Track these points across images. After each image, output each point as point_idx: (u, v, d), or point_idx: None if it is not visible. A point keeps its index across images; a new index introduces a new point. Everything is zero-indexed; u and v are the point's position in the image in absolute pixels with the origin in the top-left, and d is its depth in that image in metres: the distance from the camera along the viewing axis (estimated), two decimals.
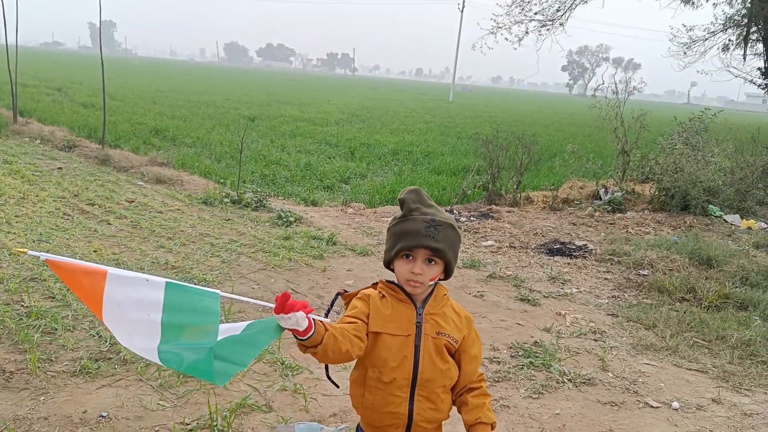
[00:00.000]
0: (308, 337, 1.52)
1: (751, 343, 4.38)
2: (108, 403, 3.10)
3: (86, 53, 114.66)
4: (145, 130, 13.50)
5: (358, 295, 1.79)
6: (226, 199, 7.71)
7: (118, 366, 3.46)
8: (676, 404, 3.55)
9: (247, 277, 5.12)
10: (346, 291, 1.80)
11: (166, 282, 1.51)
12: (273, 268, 5.41)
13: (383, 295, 1.76)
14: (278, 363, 3.65)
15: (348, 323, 1.68)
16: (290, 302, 1.45)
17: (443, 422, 1.84)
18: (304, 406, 3.24)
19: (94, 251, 5.30)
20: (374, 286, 1.83)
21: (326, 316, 1.69)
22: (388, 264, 1.79)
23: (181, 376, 3.38)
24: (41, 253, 1.43)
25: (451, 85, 55.86)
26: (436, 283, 1.79)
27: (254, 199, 7.71)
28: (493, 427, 1.78)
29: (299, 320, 1.47)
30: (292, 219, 7.06)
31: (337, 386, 2.00)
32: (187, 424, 2.98)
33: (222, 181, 8.85)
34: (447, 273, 1.76)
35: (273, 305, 1.47)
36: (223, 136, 13.57)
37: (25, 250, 1.45)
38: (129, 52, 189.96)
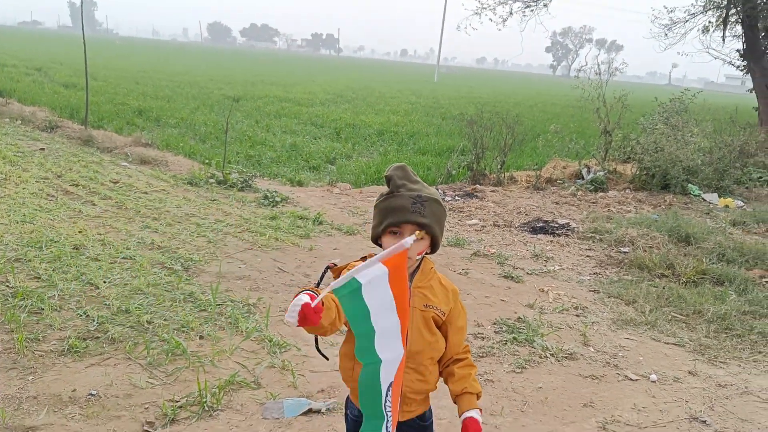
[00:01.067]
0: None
1: (727, 317, 4.51)
2: (97, 382, 3.13)
3: (66, 33, 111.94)
4: (129, 111, 13.34)
5: (349, 267, 1.81)
6: (211, 180, 7.68)
7: (106, 345, 3.49)
8: (654, 377, 3.66)
9: (234, 256, 5.14)
10: (335, 264, 1.83)
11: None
12: (260, 247, 5.43)
13: None
14: (266, 340, 3.69)
15: None
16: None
17: (430, 393, 1.89)
18: (292, 383, 3.29)
19: (79, 232, 5.28)
20: (363, 259, 1.85)
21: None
22: (376, 240, 1.82)
23: (170, 354, 3.41)
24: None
25: (435, 66, 55.62)
26: (422, 257, 1.82)
27: (240, 179, 7.69)
28: (478, 397, 1.84)
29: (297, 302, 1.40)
30: (278, 199, 7.07)
31: (327, 359, 2.03)
32: (177, 401, 3.01)
33: (207, 161, 8.80)
34: (433, 247, 1.79)
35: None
36: (208, 117, 13.45)
37: None
38: (110, 32, 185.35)
